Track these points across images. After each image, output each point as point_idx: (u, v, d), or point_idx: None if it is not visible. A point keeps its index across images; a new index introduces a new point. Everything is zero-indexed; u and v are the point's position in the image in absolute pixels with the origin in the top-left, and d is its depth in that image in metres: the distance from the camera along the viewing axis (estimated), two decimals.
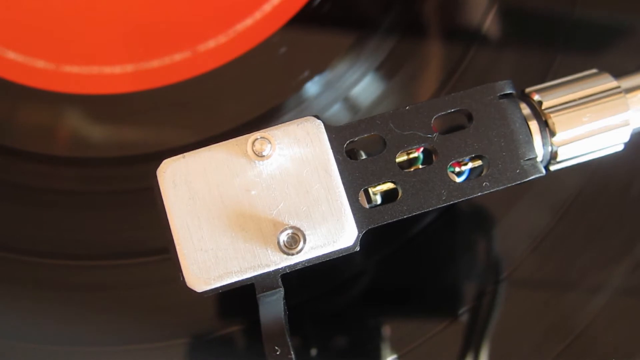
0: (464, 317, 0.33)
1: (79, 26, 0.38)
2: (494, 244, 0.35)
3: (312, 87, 0.37)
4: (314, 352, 0.33)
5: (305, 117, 0.25)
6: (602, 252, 0.34)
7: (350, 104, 0.37)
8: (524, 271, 0.34)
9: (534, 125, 0.26)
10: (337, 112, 0.37)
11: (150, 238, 0.35)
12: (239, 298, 0.31)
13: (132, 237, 0.35)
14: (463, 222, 0.36)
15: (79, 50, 0.38)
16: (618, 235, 0.34)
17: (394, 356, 0.33)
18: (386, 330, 0.34)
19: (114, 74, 0.38)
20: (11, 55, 0.38)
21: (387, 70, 0.37)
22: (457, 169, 0.26)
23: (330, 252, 0.24)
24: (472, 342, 0.33)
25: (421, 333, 0.33)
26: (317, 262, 0.24)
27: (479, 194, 0.25)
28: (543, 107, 0.26)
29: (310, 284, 0.34)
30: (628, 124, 0.26)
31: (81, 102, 0.37)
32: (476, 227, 0.35)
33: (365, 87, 0.37)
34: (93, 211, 0.36)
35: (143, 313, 0.34)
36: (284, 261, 0.24)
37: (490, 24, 0.38)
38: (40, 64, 0.38)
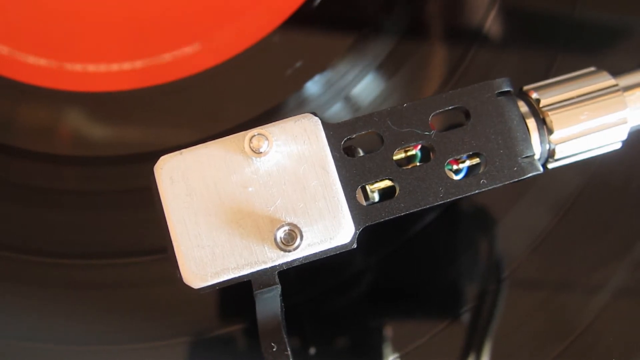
0: (464, 316, 0.33)
1: (80, 24, 0.38)
2: (494, 244, 0.35)
3: (312, 86, 0.37)
4: (313, 351, 0.33)
5: (302, 114, 0.25)
6: (602, 252, 0.34)
7: (351, 103, 0.37)
8: (524, 271, 0.34)
9: (531, 123, 0.26)
10: (338, 111, 0.37)
11: (150, 237, 0.35)
12: (240, 297, 0.31)
13: (132, 236, 0.35)
14: (463, 221, 0.36)
15: (79, 48, 0.38)
16: (618, 235, 0.34)
17: (395, 356, 0.33)
18: (387, 330, 0.34)
19: (114, 72, 0.38)
20: (11, 53, 0.38)
21: (387, 69, 0.37)
22: (454, 167, 0.26)
23: (327, 249, 0.24)
24: (472, 342, 0.33)
25: (421, 333, 0.33)
26: (314, 259, 0.24)
27: (477, 191, 0.25)
28: (541, 105, 0.26)
29: (310, 283, 0.34)
30: (626, 122, 0.26)
31: (81, 100, 0.37)
32: (476, 227, 0.35)
33: (365, 86, 0.37)
34: (94, 210, 0.36)
35: (143, 312, 0.34)
36: (280, 258, 0.24)
37: (491, 23, 0.38)
38: (42, 62, 0.38)
